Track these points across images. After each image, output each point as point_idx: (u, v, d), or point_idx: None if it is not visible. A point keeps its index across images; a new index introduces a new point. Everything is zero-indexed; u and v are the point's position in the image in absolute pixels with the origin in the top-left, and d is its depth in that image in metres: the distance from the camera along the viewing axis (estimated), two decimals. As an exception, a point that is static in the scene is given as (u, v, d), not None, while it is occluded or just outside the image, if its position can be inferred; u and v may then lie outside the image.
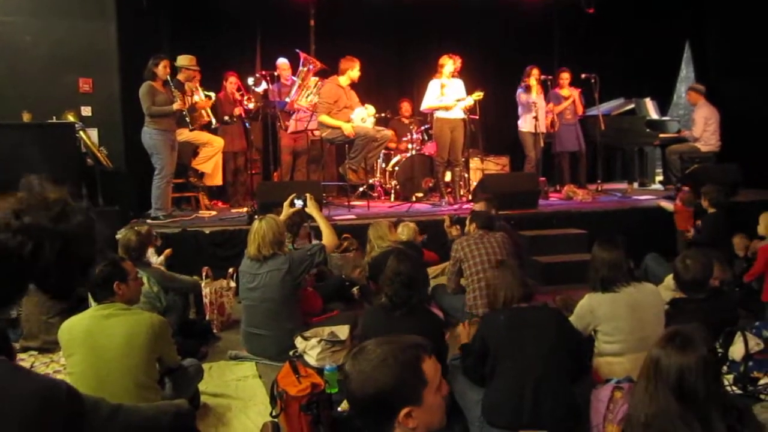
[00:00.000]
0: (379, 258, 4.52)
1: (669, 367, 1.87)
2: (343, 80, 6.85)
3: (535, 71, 7.81)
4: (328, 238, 4.31)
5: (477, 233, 4.59)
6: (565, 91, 8.26)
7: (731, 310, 3.66)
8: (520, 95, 7.90)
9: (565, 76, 8.24)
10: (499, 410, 2.75)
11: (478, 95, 7.00)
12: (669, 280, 3.93)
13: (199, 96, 6.99)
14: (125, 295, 2.94)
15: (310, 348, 3.89)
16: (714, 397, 1.85)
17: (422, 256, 4.97)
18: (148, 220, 6.16)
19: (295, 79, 7.46)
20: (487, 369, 2.83)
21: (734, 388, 3.18)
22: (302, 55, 7.28)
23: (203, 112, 7.11)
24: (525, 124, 7.94)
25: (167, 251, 4.96)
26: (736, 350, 3.27)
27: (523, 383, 2.69)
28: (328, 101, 6.74)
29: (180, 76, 6.79)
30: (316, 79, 7.21)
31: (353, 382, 1.50)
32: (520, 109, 8.02)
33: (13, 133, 5.83)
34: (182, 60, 6.87)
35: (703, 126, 7.95)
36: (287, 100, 7.46)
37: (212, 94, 7.28)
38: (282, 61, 7.85)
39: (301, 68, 7.28)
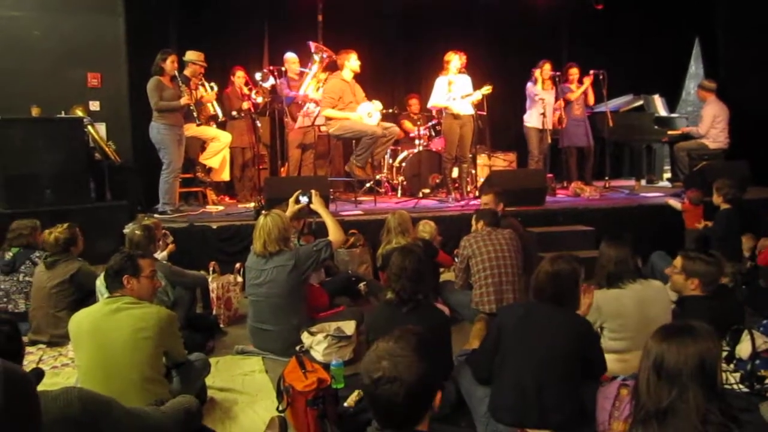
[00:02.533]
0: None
1: (650, 350, 1.89)
2: (346, 74, 6.80)
3: (547, 66, 7.77)
4: (334, 234, 4.31)
5: (485, 230, 4.59)
6: (575, 86, 8.20)
7: (738, 308, 3.65)
8: (530, 88, 7.87)
9: (574, 72, 8.16)
10: (504, 407, 2.74)
11: (488, 89, 6.92)
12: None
13: (205, 89, 7.02)
14: (135, 291, 2.95)
15: (317, 343, 3.90)
16: (693, 385, 1.81)
17: (437, 255, 4.96)
18: (156, 215, 6.17)
19: (305, 70, 7.43)
20: (495, 362, 2.82)
21: (741, 386, 3.17)
22: (314, 45, 7.24)
23: (209, 105, 7.14)
24: (531, 118, 7.90)
25: (170, 247, 4.96)
26: (743, 348, 3.25)
27: (528, 381, 2.68)
28: (331, 96, 6.72)
29: (187, 71, 6.81)
30: (327, 74, 7.20)
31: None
32: (527, 103, 7.98)
33: (21, 128, 5.84)
34: (190, 55, 6.88)
35: (709, 123, 7.88)
36: (292, 94, 7.45)
37: (214, 85, 7.26)
38: (290, 55, 7.82)
39: (314, 58, 7.25)
